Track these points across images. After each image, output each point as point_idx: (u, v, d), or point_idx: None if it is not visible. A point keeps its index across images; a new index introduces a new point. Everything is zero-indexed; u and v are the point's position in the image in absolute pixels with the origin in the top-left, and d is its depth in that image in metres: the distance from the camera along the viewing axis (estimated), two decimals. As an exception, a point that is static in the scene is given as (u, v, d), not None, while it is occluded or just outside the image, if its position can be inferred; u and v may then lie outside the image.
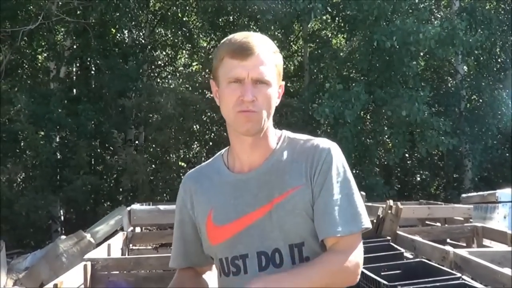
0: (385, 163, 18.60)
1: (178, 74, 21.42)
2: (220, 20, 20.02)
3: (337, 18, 18.90)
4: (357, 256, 1.93)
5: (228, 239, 2.01)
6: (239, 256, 2.00)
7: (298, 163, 2.00)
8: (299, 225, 1.95)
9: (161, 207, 9.37)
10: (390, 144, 17.68)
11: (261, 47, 1.96)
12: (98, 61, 18.68)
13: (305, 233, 1.96)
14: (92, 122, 17.94)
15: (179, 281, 2.23)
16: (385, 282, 4.02)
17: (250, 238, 1.97)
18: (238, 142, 2.06)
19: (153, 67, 21.19)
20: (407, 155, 19.56)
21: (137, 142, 19.20)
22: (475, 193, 12.06)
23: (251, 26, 19.22)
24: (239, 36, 2.01)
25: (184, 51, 22.13)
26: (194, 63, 21.50)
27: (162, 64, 22.07)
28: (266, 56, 1.97)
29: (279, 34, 19.54)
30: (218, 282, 2.12)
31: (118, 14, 18.25)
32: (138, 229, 9.38)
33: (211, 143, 19.20)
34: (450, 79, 20.69)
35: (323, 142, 2.02)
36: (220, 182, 2.09)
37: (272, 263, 1.96)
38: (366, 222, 1.95)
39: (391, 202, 7.15)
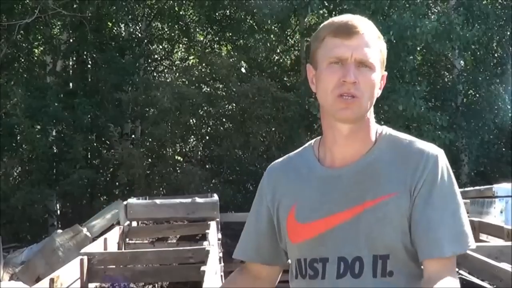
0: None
1: (174, 68, 21.39)
2: (217, 14, 19.99)
3: (334, 13, 18.84)
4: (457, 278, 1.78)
5: (310, 239, 1.84)
6: (319, 259, 1.82)
7: (399, 167, 1.82)
8: (387, 236, 1.77)
9: (158, 201, 9.37)
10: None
11: (367, 29, 1.82)
12: (94, 55, 18.66)
13: (392, 245, 1.77)
14: (89, 116, 17.91)
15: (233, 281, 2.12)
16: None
17: (334, 241, 1.80)
18: (331, 132, 1.87)
19: (149, 61, 21.14)
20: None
21: (133, 136, 19.17)
22: (471, 188, 12.06)
23: (248, 20, 19.22)
24: (342, 17, 1.86)
25: (180, 45, 22.07)
26: (191, 57, 21.44)
27: (159, 58, 22.04)
28: (371, 39, 1.82)
29: (275, 28, 19.53)
30: (291, 283, 1.93)
31: (114, 7, 18.22)
32: (134, 223, 9.37)
33: (207, 137, 19.18)
34: (447, 73, 20.67)
35: (431, 148, 1.85)
36: (308, 175, 1.92)
37: (350, 272, 1.78)
38: (472, 242, 1.78)
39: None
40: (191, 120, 18.00)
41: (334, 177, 1.85)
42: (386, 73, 1.90)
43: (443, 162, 1.83)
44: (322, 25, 1.91)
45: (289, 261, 1.98)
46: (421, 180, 1.78)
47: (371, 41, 1.81)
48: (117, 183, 17.80)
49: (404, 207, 1.77)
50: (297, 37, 21.26)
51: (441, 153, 1.85)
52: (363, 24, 1.82)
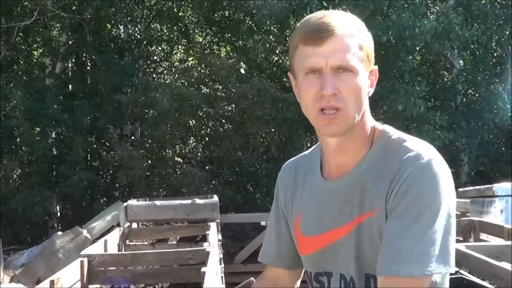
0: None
1: (174, 69, 21.38)
2: (216, 15, 19.99)
3: (333, 13, 18.86)
4: None
5: (313, 253, 1.79)
6: (324, 273, 1.77)
7: (383, 178, 1.64)
8: (374, 256, 1.62)
9: (158, 202, 9.38)
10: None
11: (341, 27, 1.64)
12: (93, 57, 18.64)
13: None
14: (88, 117, 17.89)
15: None
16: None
17: (334, 257, 1.72)
18: (323, 144, 1.77)
19: (148, 62, 21.14)
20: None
21: (133, 137, 19.15)
22: (471, 187, 12.05)
23: (247, 21, 19.21)
24: (314, 16, 1.68)
25: (179, 46, 22.06)
26: (190, 58, 21.44)
27: (158, 60, 22.04)
28: (349, 37, 1.65)
29: (275, 29, 19.51)
30: None
31: (113, 9, 18.19)
32: (134, 225, 9.38)
33: (207, 138, 19.17)
34: (446, 73, 20.67)
35: (418, 154, 1.63)
36: (311, 184, 1.82)
37: None
38: (436, 268, 1.53)
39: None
40: (190, 121, 17.98)
41: (329, 190, 1.75)
42: (376, 67, 1.79)
43: (427, 171, 1.59)
44: (296, 26, 1.76)
45: None
46: (395, 191, 1.60)
47: (348, 41, 1.64)
48: (117, 185, 17.79)
49: (384, 222, 1.63)
50: (296, 38, 21.23)
51: (429, 162, 1.61)
52: (337, 23, 1.65)
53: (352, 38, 1.65)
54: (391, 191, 1.61)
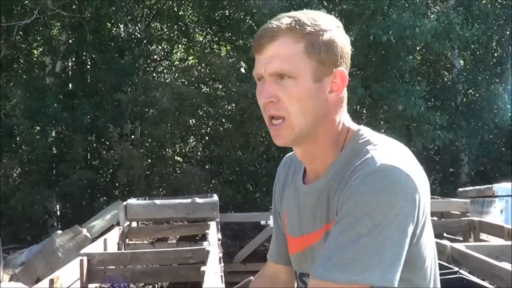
0: (381, 157, 18.59)
1: (174, 69, 21.38)
2: (216, 14, 19.98)
3: (333, 12, 18.86)
4: None
5: (297, 254, 1.77)
6: (306, 274, 1.73)
7: (343, 184, 1.57)
8: None
9: (157, 201, 9.36)
10: (387, 139, 17.67)
11: (285, 31, 1.56)
12: (93, 56, 18.65)
13: None
14: (88, 116, 17.90)
15: None
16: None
17: (312, 260, 1.66)
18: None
19: (149, 61, 21.14)
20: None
21: (133, 136, 19.16)
22: (471, 187, 12.07)
23: (247, 20, 19.20)
24: (269, 22, 1.61)
25: (180, 46, 22.07)
26: (190, 58, 21.45)
27: (158, 59, 22.03)
28: (293, 41, 1.56)
29: (275, 28, 19.48)
30: None
31: (113, 8, 18.18)
32: (134, 224, 9.37)
33: (207, 138, 19.16)
34: (447, 73, 20.68)
35: (371, 158, 1.53)
36: (296, 185, 1.78)
37: None
38: (365, 277, 1.44)
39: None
40: (190, 121, 17.97)
41: (305, 194, 1.71)
42: (340, 69, 1.64)
43: (373, 178, 1.48)
44: None
45: None
46: (342, 195, 1.54)
47: (290, 46, 1.56)
48: (117, 184, 17.80)
49: None
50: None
51: (381, 168, 1.49)
52: (282, 27, 1.57)
53: (297, 42, 1.57)
54: (340, 196, 1.55)
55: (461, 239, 8.44)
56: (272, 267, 1.99)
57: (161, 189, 17.25)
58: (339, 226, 1.49)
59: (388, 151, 1.57)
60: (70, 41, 18.87)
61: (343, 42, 1.67)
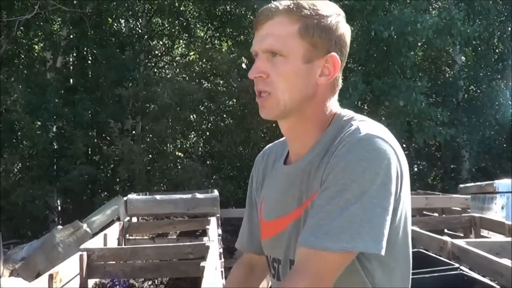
0: (383, 153, 18.59)
1: (175, 64, 21.35)
2: (217, 9, 19.97)
3: (334, 8, 18.85)
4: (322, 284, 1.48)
5: (271, 238, 1.75)
6: (277, 259, 1.73)
7: (328, 156, 1.58)
8: None
9: (158, 197, 9.35)
10: (388, 135, 17.67)
11: (283, 11, 1.61)
12: (94, 51, 18.63)
13: None
14: (89, 112, 17.88)
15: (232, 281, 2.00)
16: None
17: (286, 243, 1.67)
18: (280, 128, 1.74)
19: (150, 56, 21.13)
20: (404, 145, 19.52)
21: (134, 132, 19.16)
22: (472, 184, 12.05)
23: (248, 16, 19.18)
24: (271, 2, 1.67)
25: (181, 41, 22.05)
26: (191, 53, 21.40)
27: (159, 54, 22.02)
28: (288, 21, 1.61)
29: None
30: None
31: (114, 3, 18.19)
32: (134, 219, 9.36)
33: (208, 133, 19.15)
34: (448, 69, 20.67)
35: (357, 128, 1.57)
36: (276, 169, 1.80)
37: None
38: (356, 244, 1.45)
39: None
40: (191, 116, 17.97)
41: (285, 175, 1.72)
42: (333, 54, 1.64)
43: (359, 146, 1.52)
44: None
45: None
46: (327, 168, 1.55)
47: (285, 25, 1.61)
48: (117, 179, 17.80)
49: None
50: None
51: (366, 137, 1.53)
52: (281, 7, 1.62)
53: (292, 23, 1.61)
54: (326, 166, 1.56)
55: (462, 235, 8.43)
56: (249, 255, 2.00)
57: (162, 185, 17.24)
58: (326, 194, 1.51)
59: (373, 124, 1.62)
60: (71, 36, 18.87)
61: (341, 29, 1.67)
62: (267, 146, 1.97)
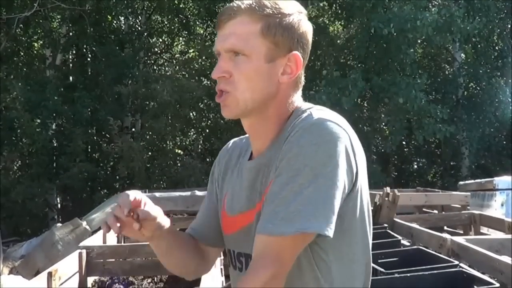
0: (382, 150, 18.61)
1: (174, 61, 21.37)
2: (217, 7, 19.94)
3: (334, 5, 18.86)
4: (278, 266, 1.48)
5: (236, 232, 1.74)
6: (243, 254, 1.71)
7: (283, 144, 1.59)
8: None
9: (157, 194, 9.33)
10: (387, 132, 17.69)
11: (245, 10, 1.60)
12: (94, 48, 18.63)
13: None
14: (88, 109, 17.89)
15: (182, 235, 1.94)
16: (382, 270, 3.99)
17: (251, 237, 1.61)
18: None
19: (149, 54, 21.12)
20: (404, 142, 19.55)
21: (133, 129, 19.15)
22: (472, 181, 12.05)
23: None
24: (233, 2, 1.66)
25: (180, 38, 22.05)
26: (191, 50, 21.41)
27: (159, 51, 22.03)
28: (250, 21, 1.60)
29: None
30: (230, 271, 1.84)
31: (114, 1, 18.20)
32: (134, 217, 9.34)
33: (207, 130, 19.17)
34: (448, 66, 20.67)
35: (309, 115, 1.59)
36: (241, 164, 1.79)
37: None
38: (310, 225, 1.46)
39: (388, 189, 7.13)
40: (191, 113, 17.98)
41: (248, 170, 1.71)
42: (295, 53, 1.64)
43: (314, 131, 1.52)
44: None
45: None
46: (281, 153, 1.55)
47: (248, 24, 1.60)
48: (117, 177, 17.80)
49: None
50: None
51: (318, 121, 1.54)
52: (242, 6, 1.61)
53: (254, 22, 1.60)
54: (280, 154, 1.56)
55: (462, 232, 8.42)
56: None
57: (161, 182, 17.25)
58: (281, 181, 1.51)
59: (327, 111, 1.61)
60: (71, 33, 18.87)
61: (303, 27, 1.66)
62: (233, 140, 1.95)
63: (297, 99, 1.70)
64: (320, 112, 1.60)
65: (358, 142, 1.59)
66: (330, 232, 1.47)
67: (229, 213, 1.76)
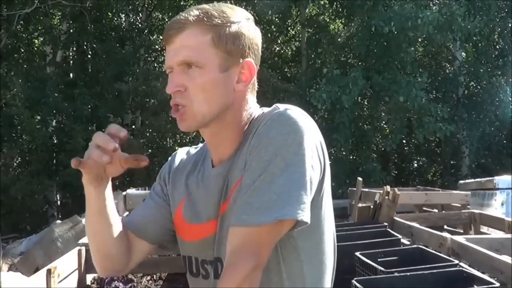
0: (382, 149, 18.58)
1: (175, 59, 21.35)
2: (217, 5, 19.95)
3: (335, 3, 18.85)
4: (258, 257, 1.46)
5: (203, 239, 1.69)
6: (209, 261, 1.68)
7: (246, 146, 1.59)
8: None
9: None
10: (388, 130, 17.67)
11: (192, 22, 1.59)
12: (94, 45, 18.64)
13: None
14: (89, 106, 17.88)
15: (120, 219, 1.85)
16: (382, 269, 3.98)
17: (224, 240, 1.58)
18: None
19: (150, 51, 21.13)
20: (404, 141, 19.54)
21: (133, 126, 19.15)
22: (472, 180, 12.03)
23: (249, 11, 19.15)
24: (179, 14, 1.64)
25: (181, 36, 22.03)
26: (191, 48, 21.40)
27: (159, 49, 21.99)
28: (199, 32, 1.58)
29: (276, 19, 19.48)
30: (188, 277, 1.80)
31: (114, -3, 18.21)
32: (133, 214, 9.34)
33: (207, 128, 19.15)
34: (448, 65, 20.65)
35: (274, 107, 1.60)
36: (200, 171, 1.76)
37: None
38: (285, 212, 1.45)
39: (388, 188, 7.11)
40: (191, 111, 17.94)
41: (214, 177, 1.68)
42: (248, 60, 1.64)
43: (281, 121, 1.52)
44: None
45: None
46: (249, 147, 1.55)
47: (198, 36, 1.58)
48: (116, 174, 17.78)
49: None
50: (298, 28, 21.24)
51: (283, 112, 1.54)
52: (191, 18, 1.60)
53: (204, 33, 1.59)
54: (247, 149, 1.56)
55: (462, 231, 8.41)
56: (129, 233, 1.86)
57: (161, 180, 17.23)
58: (252, 172, 1.50)
59: (290, 106, 1.60)
60: (71, 30, 18.87)
61: (252, 34, 1.67)
62: (182, 148, 1.95)
63: (253, 105, 1.70)
64: (285, 105, 1.59)
65: (323, 144, 1.59)
66: (306, 217, 1.46)
67: (193, 221, 1.72)
